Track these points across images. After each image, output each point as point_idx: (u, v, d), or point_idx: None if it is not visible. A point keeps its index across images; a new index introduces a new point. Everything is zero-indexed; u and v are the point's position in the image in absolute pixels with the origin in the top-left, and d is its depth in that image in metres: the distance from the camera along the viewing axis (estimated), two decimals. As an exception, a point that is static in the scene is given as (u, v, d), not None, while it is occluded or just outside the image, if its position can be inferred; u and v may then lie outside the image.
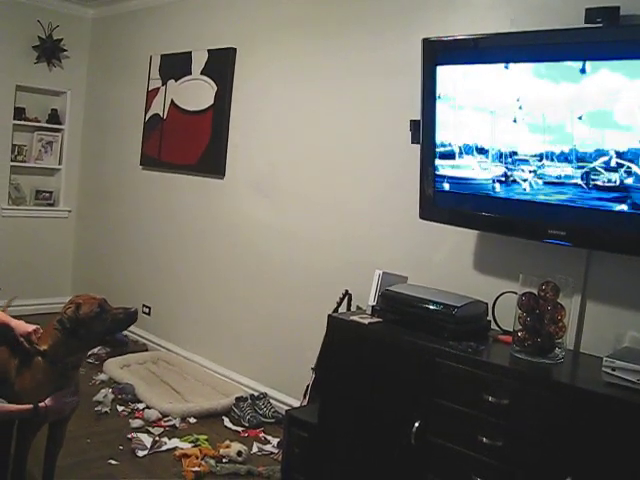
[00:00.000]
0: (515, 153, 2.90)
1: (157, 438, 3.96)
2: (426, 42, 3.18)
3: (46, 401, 2.72)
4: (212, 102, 5.07)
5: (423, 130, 3.27)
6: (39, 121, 6.45)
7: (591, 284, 2.96)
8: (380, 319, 3.20)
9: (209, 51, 5.10)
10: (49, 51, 6.26)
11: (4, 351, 2.89)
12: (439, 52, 3.15)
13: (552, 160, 2.78)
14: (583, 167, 2.68)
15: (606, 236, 2.70)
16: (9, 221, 6.26)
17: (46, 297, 6.35)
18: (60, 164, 6.61)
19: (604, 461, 2.32)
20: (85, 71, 6.62)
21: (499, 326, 3.10)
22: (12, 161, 6.27)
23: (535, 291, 2.78)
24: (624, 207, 2.60)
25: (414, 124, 3.50)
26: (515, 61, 2.86)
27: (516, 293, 2.86)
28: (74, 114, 6.61)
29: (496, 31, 3.10)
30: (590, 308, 2.97)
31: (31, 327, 2.88)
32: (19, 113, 6.26)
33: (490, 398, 2.59)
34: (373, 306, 3.28)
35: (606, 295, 2.93)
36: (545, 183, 2.82)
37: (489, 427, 2.61)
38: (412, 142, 3.56)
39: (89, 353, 5.11)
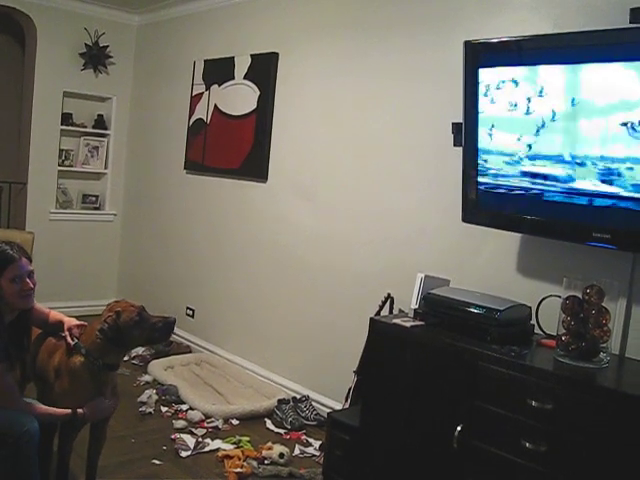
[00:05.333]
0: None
1: (200, 439, 4.00)
2: (468, 44, 3.17)
3: (84, 408, 2.79)
4: (255, 106, 5.10)
5: (465, 133, 3.25)
6: (85, 126, 6.57)
7: (637, 288, 2.91)
8: (422, 322, 3.19)
9: (252, 56, 5.14)
10: (95, 58, 6.37)
11: (44, 352, 2.97)
12: (481, 54, 3.13)
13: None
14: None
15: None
16: (56, 224, 6.39)
17: (92, 299, 6.46)
18: (106, 168, 6.73)
19: (650, 467, 2.29)
20: (130, 77, 6.72)
21: (543, 330, 3.07)
22: (59, 166, 6.41)
23: (579, 295, 2.74)
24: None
25: (456, 127, 3.49)
26: (559, 63, 2.83)
27: (560, 297, 2.82)
28: (119, 119, 6.72)
29: (539, 32, 3.07)
30: (636, 312, 2.92)
31: (77, 323, 2.99)
32: (66, 119, 6.40)
33: (533, 403, 2.56)
34: (415, 309, 3.27)
35: (653, 299, 2.88)
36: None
37: (532, 432, 2.58)
38: (454, 145, 3.55)
39: (133, 355, 5.20)
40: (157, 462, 3.69)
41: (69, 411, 2.76)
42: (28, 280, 2.75)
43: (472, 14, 3.63)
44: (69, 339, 2.91)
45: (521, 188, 3.04)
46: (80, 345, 2.86)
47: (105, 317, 2.86)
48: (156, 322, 2.92)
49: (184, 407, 4.44)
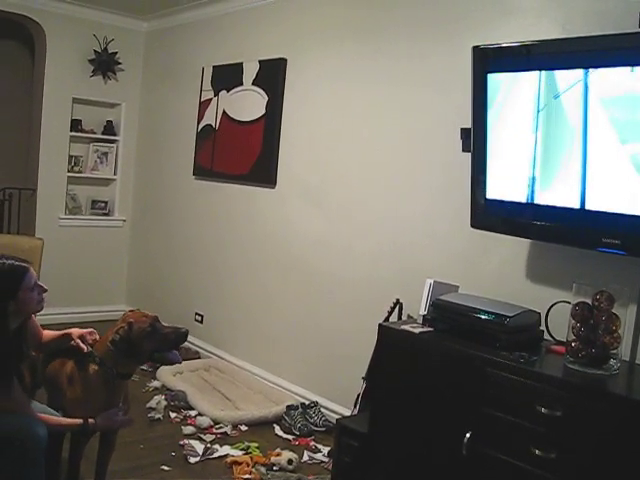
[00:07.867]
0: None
1: (209, 445, 3.99)
2: (476, 50, 3.16)
3: (96, 418, 2.78)
4: (263, 112, 5.11)
5: (474, 138, 3.24)
6: (95, 132, 6.60)
7: (647, 294, 2.89)
8: (431, 328, 3.18)
9: (260, 62, 5.15)
10: (104, 64, 6.40)
11: (56, 362, 2.97)
12: (489, 60, 3.12)
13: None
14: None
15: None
16: (66, 230, 6.41)
17: (101, 305, 6.49)
18: (115, 174, 6.75)
19: (661, 475, 2.27)
20: (139, 83, 6.75)
21: (552, 336, 3.05)
22: (69, 172, 6.44)
23: (589, 301, 2.72)
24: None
25: (465, 132, 3.48)
26: (567, 68, 2.82)
27: (569, 303, 2.81)
28: (128, 125, 6.74)
29: (547, 37, 3.06)
30: (646, 318, 2.91)
31: (87, 330, 2.97)
32: (75, 125, 6.42)
33: (543, 409, 2.55)
34: (424, 315, 3.26)
35: (663, 305, 2.86)
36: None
37: (542, 439, 2.56)
38: (463, 150, 3.54)
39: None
40: (166, 468, 3.69)
41: (80, 421, 2.75)
42: (41, 283, 2.74)
43: (480, 19, 3.62)
44: (82, 345, 2.90)
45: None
46: (94, 354, 2.86)
47: (117, 328, 2.85)
48: (168, 333, 2.90)
49: (193, 413, 4.44)
